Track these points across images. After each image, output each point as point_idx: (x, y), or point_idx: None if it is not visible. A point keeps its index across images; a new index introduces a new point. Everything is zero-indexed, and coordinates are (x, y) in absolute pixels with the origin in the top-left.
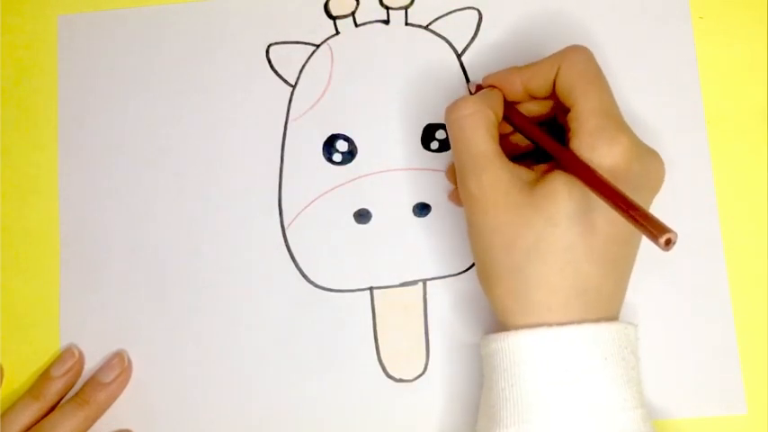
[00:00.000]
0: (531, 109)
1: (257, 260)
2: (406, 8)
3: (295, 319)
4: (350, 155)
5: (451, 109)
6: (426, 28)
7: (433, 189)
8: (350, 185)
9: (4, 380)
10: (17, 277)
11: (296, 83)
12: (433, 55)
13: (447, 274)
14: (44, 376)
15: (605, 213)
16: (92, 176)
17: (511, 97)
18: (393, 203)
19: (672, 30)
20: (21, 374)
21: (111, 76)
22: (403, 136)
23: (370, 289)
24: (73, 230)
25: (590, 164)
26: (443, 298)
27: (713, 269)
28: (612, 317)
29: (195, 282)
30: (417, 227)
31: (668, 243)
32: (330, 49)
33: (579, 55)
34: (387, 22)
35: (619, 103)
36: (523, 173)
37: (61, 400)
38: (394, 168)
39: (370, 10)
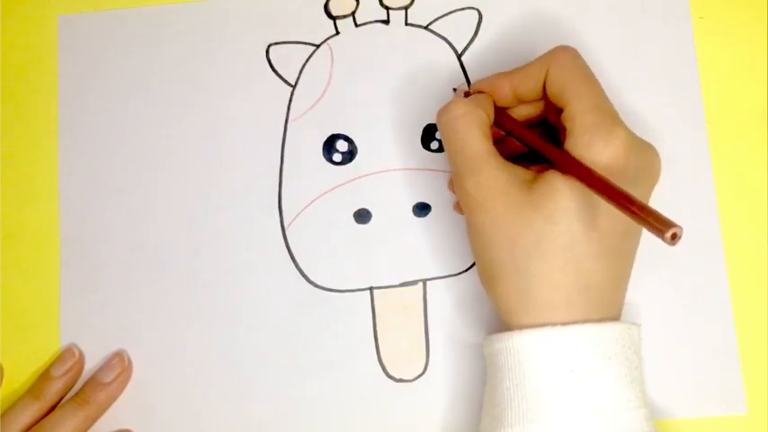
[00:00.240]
0: (521, 113)
1: (257, 260)
2: (406, 8)
3: (295, 319)
4: (350, 155)
5: (442, 112)
6: (426, 28)
7: (433, 189)
8: (350, 185)
9: (4, 380)
10: (17, 277)
11: (296, 83)
12: (433, 55)
13: (447, 274)
14: (44, 376)
15: (605, 209)
16: (92, 176)
17: (501, 103)
18: (393, 203)
19: (672, 30)
20: (21, 374)
21: (111, 76)
22: (403, 136)
23: (370, 289)
24: (73, 230)
25: (587, 161)
26: (443, 298)
27: (713, 269)
28: (615, 315)
29: (195, 282)
30: (417, 227)
31: (674, 237)
32: (330, 49)
33: (567, 55)
34: (387, 22)
35: (619, 103)
36: (520, 172)
37: (61, 399)
38: (394, 168)
39: (370, 10)
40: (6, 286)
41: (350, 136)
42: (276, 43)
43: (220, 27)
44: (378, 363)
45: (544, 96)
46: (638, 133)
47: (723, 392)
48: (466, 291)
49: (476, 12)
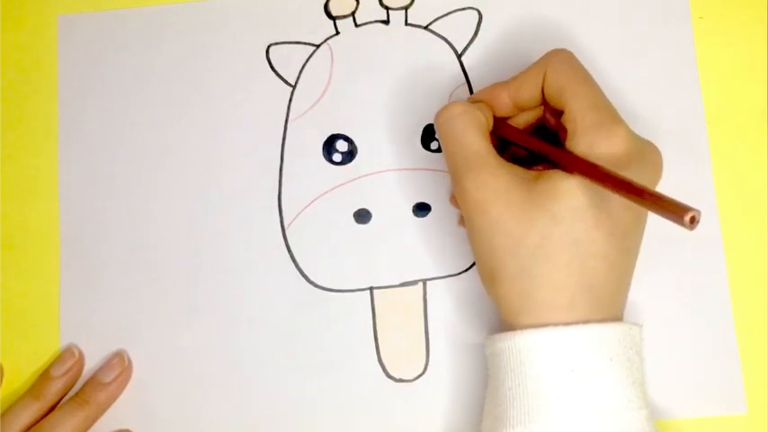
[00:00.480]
0: (518, 121)
1: (257, 260)
2: (406, 8)
3: (295, 319)
4: (350, 155)
5: (440, 112)
6: (426, 28)
7: (433, 189)
8: (350, 185)
9: (4, 380)
10: (17, 277)
11: (296, 83)
12: (433, 55)
13: (447, 274)
14: (44, 376)
15: (608, 208)
16: (92, 176)
17: (500, 112)
18: (393, 203)
19: (672, 30)
20: (21, 374)
21: (111, 76)
22: (403, 136)
23: (370, 289)
24: (73, 230)
25: (591, 159)
26: (444, 298)
27: (713, 269)
28: (617, 315)
29: (195, 282)
30: (417, 227)
31: (693, 221)
32: (330, 49)
33: (563, 57)
34: (387, 22)
35: (619, 103)
36: (520, 171)
37: (61, 400)
38: (394, 168)
39: (370, 10)
40: (6, 286)
41: (350, 136)
42: (276, 43)
43: (220, 27)
44: (378, 363)
45: (543, 102)
46: (639, 133)
47: (723, 392)
48: (466, 291)
49: (476, 12)
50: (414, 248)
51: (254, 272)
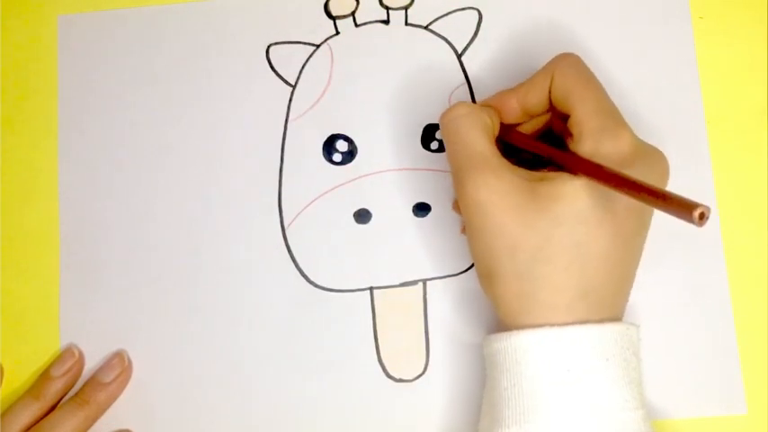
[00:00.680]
0: (525, 128)
1: (257, 260)
2: (406, 8)
3: (295, 319)
4: (350, 155)
5: (446, 112)
6: (426, 28)
7: (433, 189)
8: (350, 185)
9: (4, 380)
10: (17, 277)
11: (296, 83)
12: (433, 55)
13: (447, 274)
14: (44, 376)
15: (611, 211)
16: (92, 176)
17: (509, 118)
18: (393, 203)
19: (672, 30)
20: (21, 374)
21: (111, 76)
22: (403, 136)
23: (370, 289)
24: (73, 231)
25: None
26: (443, 298)
27: (713, 269)
28: (617, 316)
29: (195, 282)
30: (417, 227)
31: (702, 217)
32: (330, 49)
33: (569, 61)
34: (387, 22)
35: (619, 103)
36: (523, 173)
37: (61, 400)
38: (394, 168)
39: (370, 10)
40: (6, 286)
41: (350, 136)
42: (276, 43)
43: (220, 27)
44: (378, 363)
45: (550, 107)
46: (639, 133)
47: (723, 392)
48: (466, 291)
49: (476, 12)
50: (414, 248)
51: (254, 272)
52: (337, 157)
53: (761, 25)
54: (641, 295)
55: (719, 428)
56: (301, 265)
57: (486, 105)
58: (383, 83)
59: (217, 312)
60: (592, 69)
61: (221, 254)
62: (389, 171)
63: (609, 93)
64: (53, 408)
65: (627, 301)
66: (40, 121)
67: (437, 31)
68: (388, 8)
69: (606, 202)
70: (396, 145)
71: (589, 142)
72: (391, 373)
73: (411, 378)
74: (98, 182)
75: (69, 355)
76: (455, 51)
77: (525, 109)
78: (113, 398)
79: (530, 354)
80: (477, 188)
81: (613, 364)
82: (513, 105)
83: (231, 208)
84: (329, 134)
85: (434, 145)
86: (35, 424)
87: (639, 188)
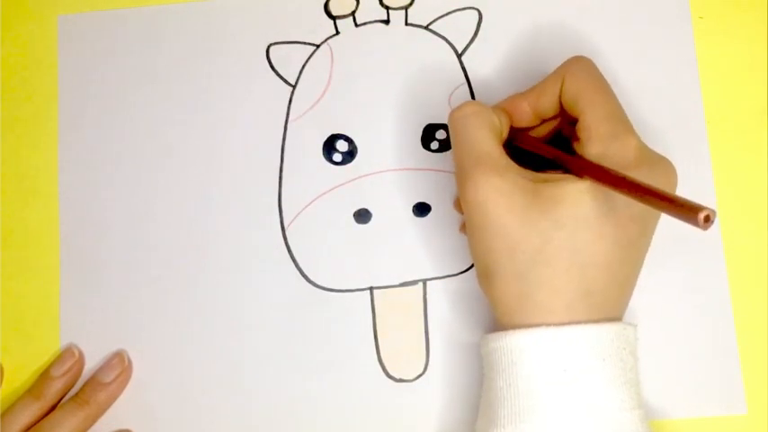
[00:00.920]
0: (536, 132)
1: (257, 260)
2: (406, 8)
3: (295, 319)
4: (350, 155)
5: (454, 110)
6: (426, 28)
7: (433, 189)
8: (350, 185)
9: (4, 380)
10: (17, 277)
11: (296, 83)
12: (433, 55)
13: (447, 274)
14: (44, 376)
15: (614, 218)
16: (92, 176)
17: (521, 122)
18: (393, 203)
19: (672, 30)
20: (21, 374)
21: (111, 76)
22: (403, 136)
23: (370, 289)
24: (73, 231)
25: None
26: (443, 298)
27: (713, 269)
28: (616, 317)
29: (195, 282)
30: (417, 227)
31: (707, 220)
32: (330, 49)
33: (581, 65)
34: (387, 22)
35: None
36: (528, 174)
37: (61, 399)
38: (394, 168)
39: (370, 10)
40: (6, 286)
41: (350, 136)
42: (276, 43)
43: (220, 27)
44: (378, 363)
45: (561, 111)
46: (639, 133)
47: (723, 392)
48: (466, 291)
49: (476, 12)
50: (414, 248)
51: (254, 272)
52: (337, 157)
53: (761, 25)
54: (641, 296)
55: (719, 428)
56: (301, 265)
57: (498, 108)
58: (383, 83)
59: (217, 312)
60: None
61: (221, 254)
62: (389, 171)
63: None
64: (53, 408)
65: (627, 304)
66: (40, 121)
67: (437, 31)
68: (388, 8)
69: (609, 208)
70: (396, 145)
71: (596, 147)
72: (391, 373)
73: (411, 378)
74: (98, 182)
75: (69, 355)
76: (455, 51)
77: (537, 112)
78: (113, 398)
79: (526, 353)
80: (479, 187)
81: (610, 364)
82: (525, 109)
83: (231, 208)
84: (329, 134)
85: (434, 145)
86: (35, 424)
87: (643, 191)
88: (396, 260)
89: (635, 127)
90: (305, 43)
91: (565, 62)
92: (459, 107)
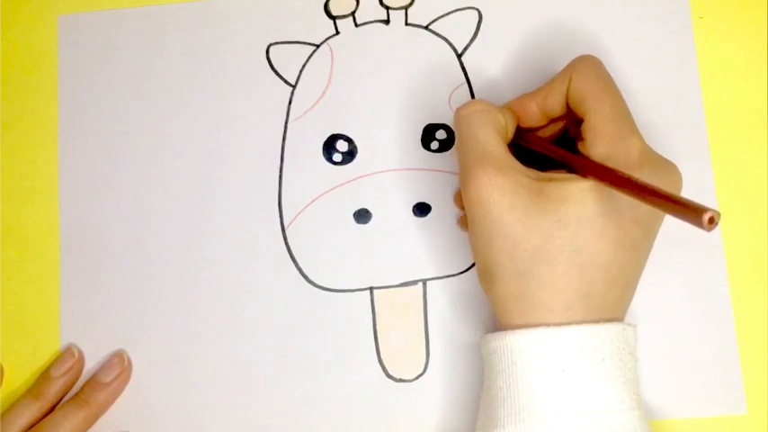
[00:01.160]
0: (543, 133)
1: (257, 260)
2: (406, 8)
3: (295, 319)
4: (350, 155)
5: (461, 108)
6: (426, 28)
7: (433, 189)
8: (350, 185)
9: (4, 380)
10: (17, 277)
11: (296, 83)
12: (433, 55)
13: (447, 274)
14: (44, 376)
15: (617, 219)
16: (92, 176)
17: (529, 123)
18: (393, 203)
19: (672, 30)
20: (21, 374)
21: (111, 75)
22: (403, 136)
23: (370, 289)
24: (73, 230)
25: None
26: (443, 298)
27: (713, 269)
28: (616, 318)
29: (195, 282)
30: (417, 227)
31: (712, 221)
32: (330, 49)
33: (588, 64)
34: (387, 22)
35: None
36: (532, 173)
37: (61, 400)
38: (394, 168)
39: (370, 10)
40: (6, 286)
41: (350, 136)
42: (276, 43)
43: (220, 27)
44: (378, 363)
45: (568, 110)
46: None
47: (723, 392)
48: (466, 291)
49: (476, 12)
50: (414, 248)
51: (254, 272)
52: (337, 157)
53: (761, 25)
54: (641, 296)
55: (719, 428)
56: (301, 265)
57: (505, 108)
58: (383, 83)
59: (216, 312)
60: None
61: (221, 254)
62: (389, 171)
63: None
64: (53, 408)
65: (628, 305)
66: (40, 121)
67: (437, 31)
68: (388, 8)
69: (613, 209)
70: (396, 145)
71: (601, 147)
72: (391, 373)
73: (411, 378)
74: (98, 182)
75: (69, 355)
76: (455, 51)
77: (544, 112)
78: (113, 398)
79: (525, 354)
80: (482, 185)
81: (609, 364)
82: (533, 109)
83: (231, 208)
84: (329, 134)
85: (434, 145)
86: (35, 424)
87: (648, 191)
88: (396, 260)
89: None
90: (305, 43)
91: (573, 60)
92: (466, 105)
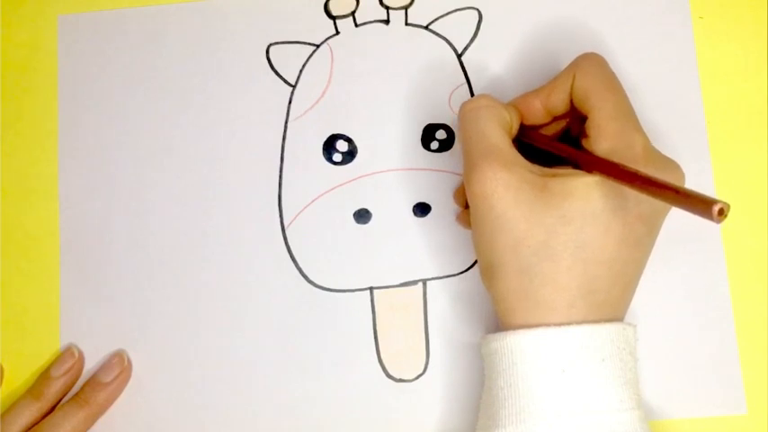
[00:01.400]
0: (547, 130)
1: (257, 260)
2: (406, 8)
3: (295, 319)
4: (350, 155)
5: (466, 103)
6: (426, 28)
7: (433, 189)
8: (350, 185)
9: (4, 380)
10: (17, 277)
11: (296, 83)
12: (433, 55)
13: (447, 274)
14: (44, 376)
15: (622, 216)
16: (92, 176)
17: (533, 120)
18: (393, 203)
19: (672, 30)
20: (21, 374)
21: (111, 76)
22: (403, 136)
23: (370, 289)
24: (73, 231)
25: None
26: (443, 298)
27: (713, 269)
28: (617, 317)
29: (195, 282)
30: (417, 227)
31: (721, 213)
32: (330, 49)
33: (592, 61)
34: (387, 22)
35: None
36: (536, 168)
37: (61, 400)
38: (394, 168)
39: (370, 10)
40: (6, 286)
41: (350, 136)
42: (276, 43)
43: (220, 27)
44: (378, 363)
45: (572, 108)
46: None
47: (723, 392)
48: (466, 291)
49: (476, 12)
50: (414, 248)
51: (254, 272)
52: (337, 157)
53: (761, 25)
54: (641, 296)
55: (719, 428)
56: (301, 265)
57: (510, 104)
58: (383, 83)
59: (217, 312)
60: None
61: (221, 254)
62: (389, 171)
63: None
64: (53, 408)
65: (629, 304)
66: (40, 121)
67: (437, 31)
68: (388, 8)
69: (619, 205)
70: (396, 145)
71: (605, 144)
72: (391, 373)
73: (411, 378)
74: (98, 182)
75: (69, 355)
76: (455, 51)
77: (548, 109)
78: (113, 398)
79: (525, 354)
80: (486, 179)
81: (609, 364)
82: (537, 106)
83: (231, 208)
84: (329, 134)
85: (434, 145)
86: (35, 424)
87: (656, 184)
88: (396, 260)
89: None
90: (305, 43)
91: (577, 58)
92: (472, 100)
